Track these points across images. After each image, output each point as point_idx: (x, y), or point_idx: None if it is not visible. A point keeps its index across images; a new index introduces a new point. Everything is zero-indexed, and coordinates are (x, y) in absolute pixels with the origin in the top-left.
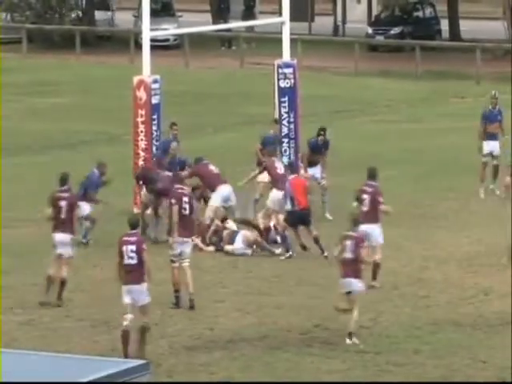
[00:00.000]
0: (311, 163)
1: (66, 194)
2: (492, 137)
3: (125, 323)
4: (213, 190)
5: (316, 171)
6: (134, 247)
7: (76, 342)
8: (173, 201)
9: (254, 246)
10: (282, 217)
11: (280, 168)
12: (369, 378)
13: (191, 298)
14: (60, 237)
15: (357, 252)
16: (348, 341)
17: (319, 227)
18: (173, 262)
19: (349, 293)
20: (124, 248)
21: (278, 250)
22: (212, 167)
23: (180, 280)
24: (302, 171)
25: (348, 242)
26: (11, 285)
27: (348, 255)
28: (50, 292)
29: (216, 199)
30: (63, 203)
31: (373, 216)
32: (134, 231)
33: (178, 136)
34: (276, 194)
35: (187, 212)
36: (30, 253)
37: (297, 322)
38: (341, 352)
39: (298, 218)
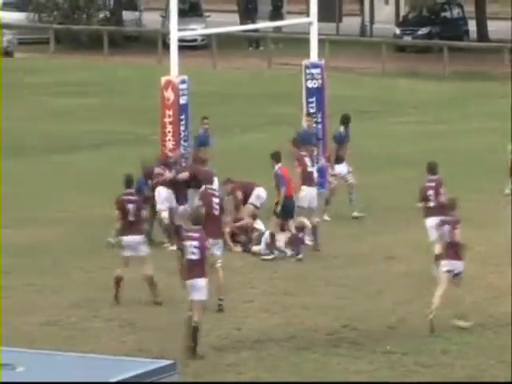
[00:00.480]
0: (337, 159)
1: (133, 197)
2: None
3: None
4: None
5: (343, 169)
6: (196, 243)
7: (103, 343)
8: (201, 202)
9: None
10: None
11: (310, 165)
12: (396, 378)
13: (219, 303)
14: (131, 239)
15: (453, 234)
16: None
17: (346, 226)
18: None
19: (455, 275)
20: (187, 243)
21: (290, 253)
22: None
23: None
24: (329, 170)
25: (446, 227)
26: (32, 285)
27: (447, 239)
28: (120, 292)
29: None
30: (131, 206)
31: (440, 208)
32: (197, 227)
33: (209, 129)
34: (307, 192)
35: (217, 213)
36: (50, 253)
37: (324, 322)
38: (368, 352)
39: (291, 209)
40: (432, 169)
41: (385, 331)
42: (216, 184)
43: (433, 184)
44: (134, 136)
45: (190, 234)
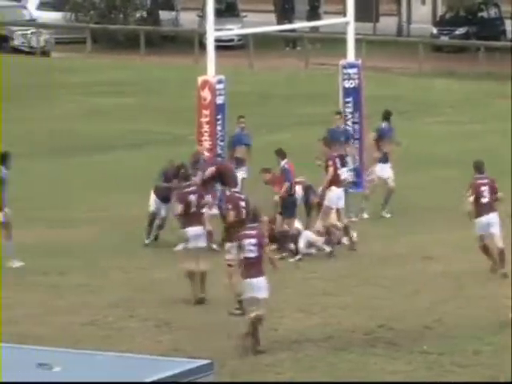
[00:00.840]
0: (382, 158)
1: (193, 188)
2: None
3: (252, 315)
4: None
5: (386, 170)
6: (254, 240)
7: (140, 342)
8: (229, 206)
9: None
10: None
11: (339, 165)
12: (432, 378)
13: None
14: (194, 230)
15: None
16: None
17: (384, 226)
18: (230, 265)
19: None
20: (245, 242)
21: (329, 248)
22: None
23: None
24: (370, 169)
25: None
26: (70, 285)
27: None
28: (196, 286)
29: None
30: (193, 197)
31: (492, 205)
32: (254, 224)
33: (246, 128)
34: (335, 192)
35: (244, 217)
36: (86, 253)
37: (361, 322)
38: (405, 353)
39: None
40: (479, 167)
41: (421, 331)
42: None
43: (486, 181)
44: (170, 136)
45: (248, 231)
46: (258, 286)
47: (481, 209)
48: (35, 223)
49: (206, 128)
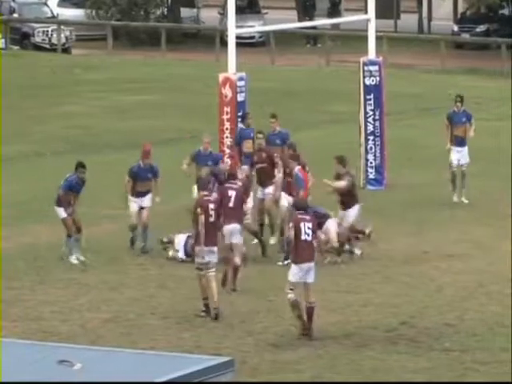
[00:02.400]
0: (457, 139)
1: (235, 185)
2: None
3: (290, 296)
4: None
5: (462, 152)
6: (310, 224)
7: (160, 339)
8: (199, 210)
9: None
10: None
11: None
12: (454, 376)
13: (215, 312)
14: (231, 227)
15: None
16: None
17: (406, 224)
18: (199, 269)
19: None
20: (302, 225)
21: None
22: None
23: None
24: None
25: None
26: (90, 282)
27: None
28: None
29: None
30: (232, 193)
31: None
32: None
33: (252, 124)
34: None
35: (212, 220)
36: (107, 250)
37: (382, 319)
38: (426, 350)
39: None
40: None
41: (443, 328)
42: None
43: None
44: (191, 133)
45: (304, 216)
46: (310, 271)
47: None
48: (58, 220)
49: (227, 125)
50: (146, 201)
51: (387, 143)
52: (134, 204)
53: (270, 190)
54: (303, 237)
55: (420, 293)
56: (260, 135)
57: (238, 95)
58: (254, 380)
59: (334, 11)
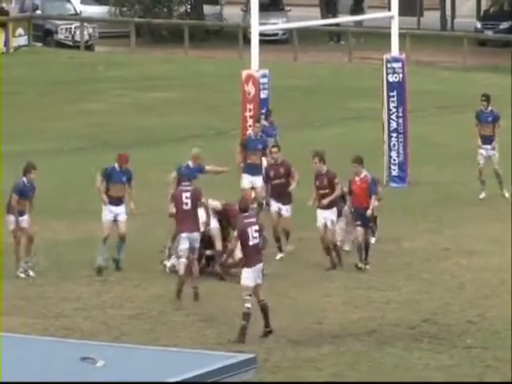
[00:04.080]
0: (484, 138)
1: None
2: None
3: (248, 305)
4: None
5: (489, 151)
6: (257, 227)
7: (184, 336)
8: (171, 198)
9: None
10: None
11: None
12: (475, 374)
13: (195, 291)
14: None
15: None
16: None
17: (427, 220)
18: (180, 257)
19: None
20: (249, 230)
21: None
22: None
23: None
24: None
25: None
26: (113, 279)
27: None
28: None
29: None
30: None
31: None
32: (248, 213)
33: (274, 122)
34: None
35: (188, 207)
36: (130, 246)
37: (405, 316)
38: (449, 347)
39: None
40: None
41: (465, 325)
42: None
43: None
44: (214, 130)
45: (249, 220)
46: (260, 272)
47: None
48: (80, 216)
49: (250, 122)
50: (122, 215)
51: (410, 140)
52: (109, 214)
53: (287, 207)
54: (251, 242)
55: (442, 290)
56: (275, 149)
57: (261, 92)
58: (276, 377)
59: (357, 8)
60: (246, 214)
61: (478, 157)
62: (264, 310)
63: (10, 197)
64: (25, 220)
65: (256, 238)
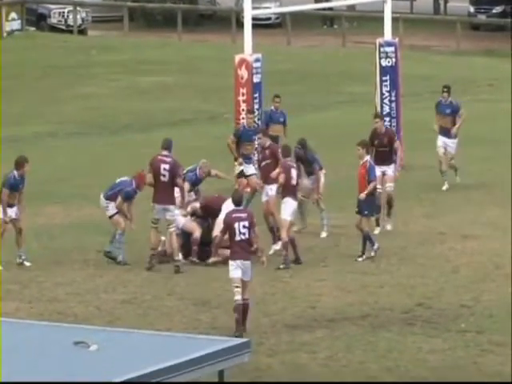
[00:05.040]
0: (441, 130)
1: (292, 164)
2: None
3: (238, 298)
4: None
5: (447, 143)
6: (246, 223)
7: (177, 321)
8: (148, 168)
9: None
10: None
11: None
12: (470, 357)
13: (177, 266)
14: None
15: None
16: None
17: (422, 205)
18: (153, 223)
19: None
20: (236, 225)
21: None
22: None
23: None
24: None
25: None
26: (106, 264)
27: None
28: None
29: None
30: (294, 171)
31: None
32: (240, 207)
33: (280, 107)
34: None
35: (165, 179)
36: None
37: (399, 300)
38: (442, 331)
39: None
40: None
41: (459, 310)
42: None
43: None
44: (208, 114)
45: (237, 214)
46: (247, 269)
47: None
48: (74, 201)
49: (243, 106)
50: (15, 212)
51: (403, 124)
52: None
53: (273, 189)
54: (238, 237)
55: (436, 274)
56: (259, 135)
57: (254, 76)
58: (271, 360)
59: None
60: (237, 208)
61: (437, 148)
62: (244, 309)
63: (4, 192)
64: (14, 211)
65: (244, 234)
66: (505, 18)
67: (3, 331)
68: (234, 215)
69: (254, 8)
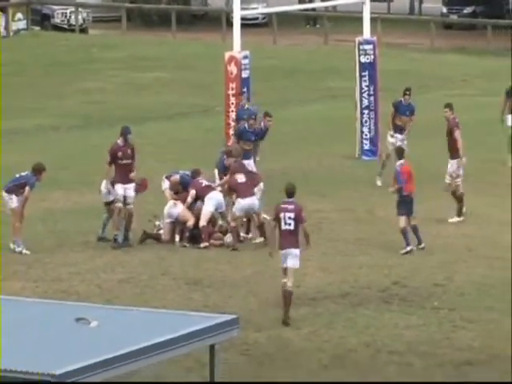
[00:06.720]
0: (396, 128)
1: None
2: None
3: (283, 283)
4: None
5: (399, 139)
6: (292, 214)
7: (171, 299)
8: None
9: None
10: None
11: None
12: (443, 333)
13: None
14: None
15: None
16: None
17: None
18: (116, 202)
19: None
20: (282, 215)
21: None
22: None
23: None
24: (389, 134)
25: None
26: (105, 246)
27: None
28: None
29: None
30: None
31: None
32: (291, 199)
33: (269, 126)
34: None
35: (124, 162)
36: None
37: (376, 280)
38: (417, 308)
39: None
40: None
41: (433, 288)
42: None
43: None
44: (201, 108)
45: (284, 205)
46: (292, 257)
47: None
48: (76, 187)
49: (232, 100)
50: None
51: (381, 117)
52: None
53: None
54: (283, 227)
55: (413, 256)
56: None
57: (243, 72)
58: (259, 335)
59: None
60: (287, 199)
61: (387, 144)
62: (286, 297)
63: (16, 184)
64: (14, 199)
65: (290, 224)
66: (475, 17)
67: (10, 309)
68: (282, 206)
69: (242, 9)
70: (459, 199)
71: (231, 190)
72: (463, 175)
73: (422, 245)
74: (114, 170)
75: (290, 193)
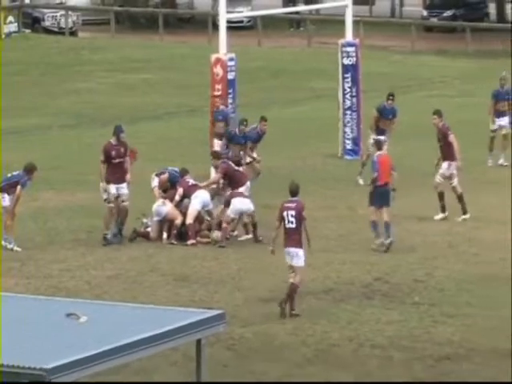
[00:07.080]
0: (379, 130)
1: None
2: (501, 114)
3: (290, 281)
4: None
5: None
6: (293, 212)
7: (159, 295)
8: (103, 148)
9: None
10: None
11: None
12: (424, 328)
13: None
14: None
15: None
16: None
17: None
18: (109, 202)
19: None
20: (285, 213)
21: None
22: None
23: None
24: (371, 137)
25: None
26: (95, 243)
27: None
28: None
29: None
30: None
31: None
32: (294, 198)
33: (266, 130)
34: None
35: (116, 161)
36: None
37: (359, 276)
38: (398, 304)
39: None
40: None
41: (414, 284)
42: None
43: None
44: (188, 108)
45: (288, 204)
46: (293, 255)
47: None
48: (67, 186)
49: (218, 101)
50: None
51: (363, 117)
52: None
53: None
54: (287, 225)
55: (394, 252)
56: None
57: (229, 74)
58: (244, 330)
59: None
60: (290, 198)
61: (368, 146)
62: (291, 293)
63: (8, 183)
64: (6, 198)
65: (292, 222)
66: (455, 20)
67: (2, 305)
68: (285, 204)
69: (228, 12)
70: (460, 198)
71: (226, 178)
72: (456, 175)
73: (389, 240)
74: (107, 168)
75: (294, 192)
